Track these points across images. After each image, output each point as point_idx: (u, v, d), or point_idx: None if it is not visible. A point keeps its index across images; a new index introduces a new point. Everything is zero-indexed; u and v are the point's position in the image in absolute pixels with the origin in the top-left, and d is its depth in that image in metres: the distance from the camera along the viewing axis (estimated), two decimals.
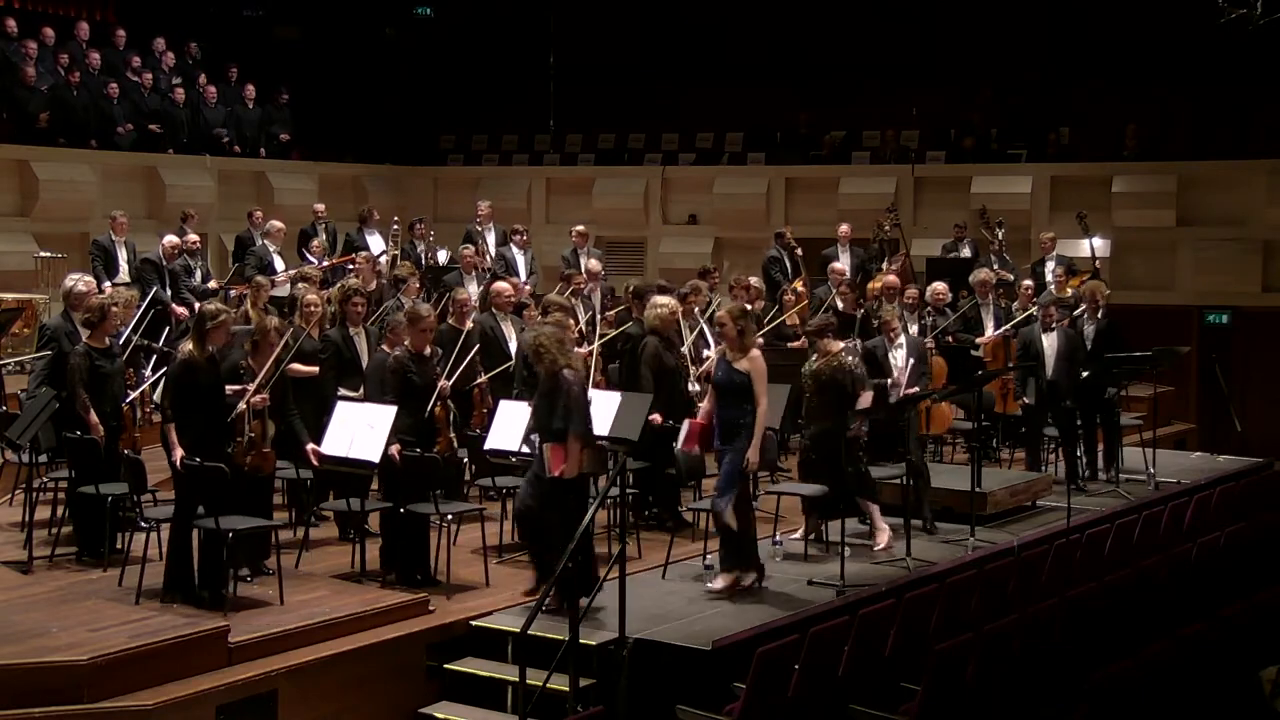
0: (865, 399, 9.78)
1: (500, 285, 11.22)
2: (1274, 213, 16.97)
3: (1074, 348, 11.76)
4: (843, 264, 14.67)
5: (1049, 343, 11.71)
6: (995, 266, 14.68)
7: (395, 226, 15.64)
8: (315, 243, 14.84)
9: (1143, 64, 18.14)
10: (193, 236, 14.19)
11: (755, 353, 8.61)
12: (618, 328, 11.45)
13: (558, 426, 8.08)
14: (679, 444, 9.10)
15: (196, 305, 11.28)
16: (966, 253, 15.96)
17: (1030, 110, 19.13)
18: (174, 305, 13.01)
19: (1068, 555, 8.84)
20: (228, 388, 8.37)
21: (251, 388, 8.38)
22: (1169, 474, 12.38)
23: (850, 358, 9.86)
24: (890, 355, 10.66)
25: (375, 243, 15.42)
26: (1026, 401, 11.83)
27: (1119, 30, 18.65)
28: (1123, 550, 9.12)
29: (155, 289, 12.77)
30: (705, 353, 11.45)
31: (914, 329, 11.93)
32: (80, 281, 10.06)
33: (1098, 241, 16.39)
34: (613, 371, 11.15)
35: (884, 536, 9.70)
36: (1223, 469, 12.99)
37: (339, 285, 10.92)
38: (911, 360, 10.56)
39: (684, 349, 10.86)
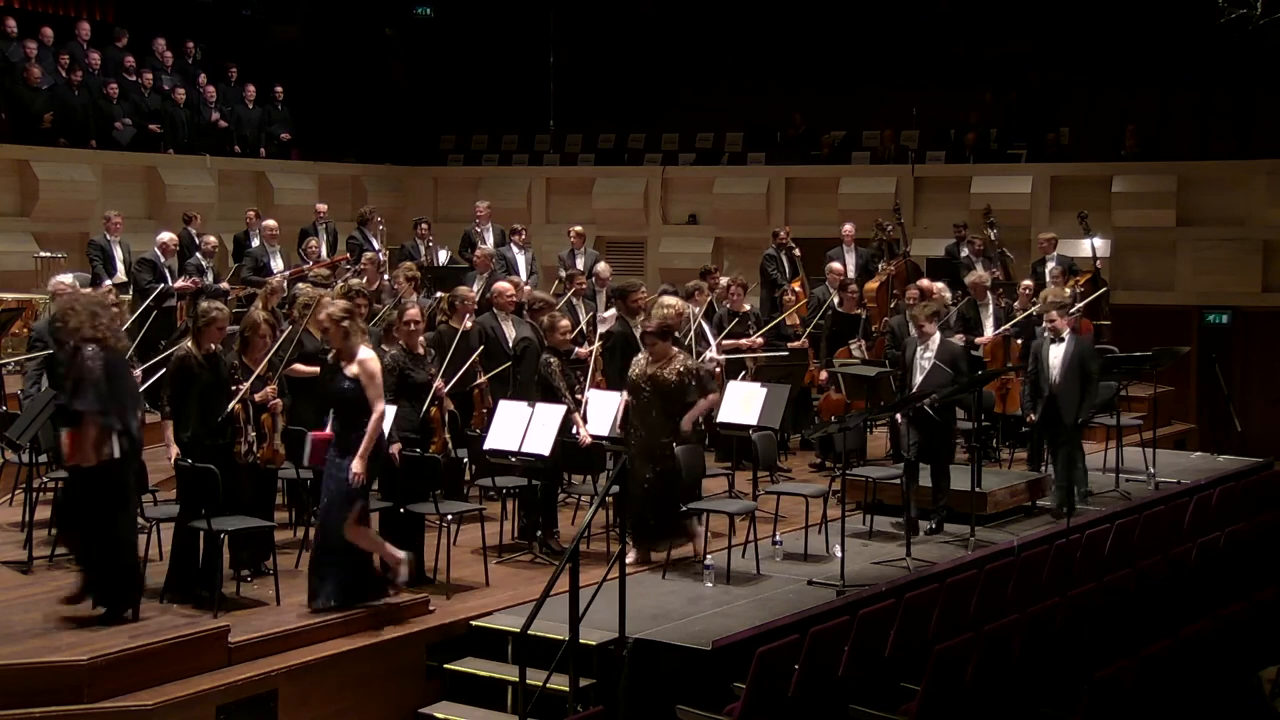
0: (709, 403, 9.52)
1: (501, 285, 11.19)
2: (1274, 213, 16.96)
3: (1085, 359, 10.78)
4: (844, 264, 14.63)
5: (1055, 353, 10.77)
6: (982, 267, 14.62)
7: (382, 227, 15.56)
8: (310, 242, 14.81)
9: (1143, 64, 18.15)
10: (211, 239, 14.18)
11: (365, 354, 7.89)
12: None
13: (72, 408, 7.26)
14: (304, 459, 8.29)
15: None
16: (967, 253, 15.94)
17: (1030, 110, 19.12)
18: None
19: (1068, 555, 8.84)
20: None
21: (246, 386, 8.36)
22: (1169, 474, 12.38)
23: (690, 362, 9.44)
24: (918, 356, 10.49)
25: (377, 245, 15.39)
26: (1033, 418, 11.00)
27: (1119, 30, 18.66)
28: (1123, 550, 9.11)
29: (157, 288, 12.75)
30: (707, 354, 11.45)
31: (913, 330, 11.82)
32: (61, 283, 10.07)
33: (1098, 241, 16.38)
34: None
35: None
36: (1223, 469, 12.98)
37: (340, 285, 10.92)
38: (929, 363, 10.31)
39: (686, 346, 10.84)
